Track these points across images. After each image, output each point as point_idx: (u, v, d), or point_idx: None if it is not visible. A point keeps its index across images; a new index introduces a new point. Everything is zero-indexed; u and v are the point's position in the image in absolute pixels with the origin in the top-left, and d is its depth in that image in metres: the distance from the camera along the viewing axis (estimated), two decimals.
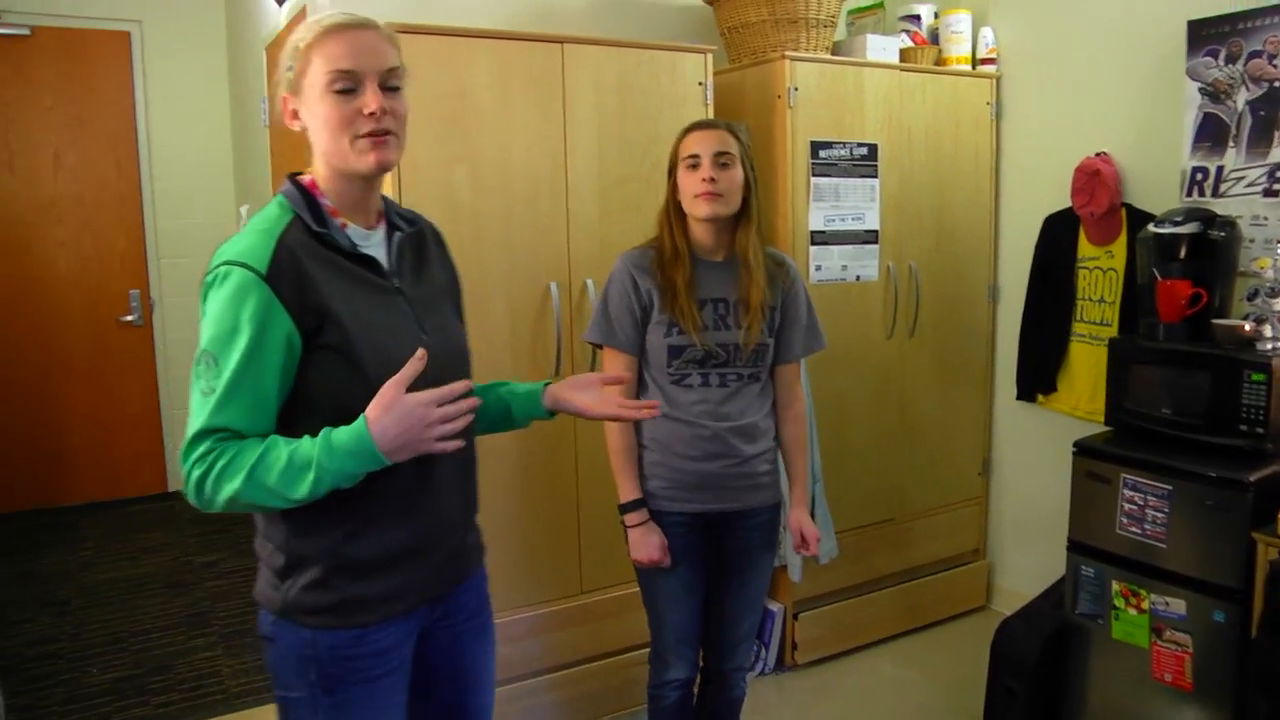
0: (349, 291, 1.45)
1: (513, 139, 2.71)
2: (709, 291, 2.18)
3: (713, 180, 2.12)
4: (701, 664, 2.41)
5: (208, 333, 1.38)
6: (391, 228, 1.59)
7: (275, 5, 3.79)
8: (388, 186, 2.39)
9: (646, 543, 2.20)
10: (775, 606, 3.34)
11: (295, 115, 1.50)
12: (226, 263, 1.39)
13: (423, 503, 1.54)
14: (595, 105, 2.83)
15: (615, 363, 2.23)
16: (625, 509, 2.23)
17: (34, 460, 5.18)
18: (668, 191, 2.23)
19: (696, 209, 2.15)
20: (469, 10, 3.02)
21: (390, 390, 1.35)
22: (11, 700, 3.23)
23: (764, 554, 2.33)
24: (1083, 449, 2.77)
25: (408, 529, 1.53)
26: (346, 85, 1.42)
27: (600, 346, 2.26)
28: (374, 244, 1.54)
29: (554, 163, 2.78)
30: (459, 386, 1.39)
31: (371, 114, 1.42)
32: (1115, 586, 2.63)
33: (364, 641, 1.50)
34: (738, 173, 2.16)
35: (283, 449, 1.35)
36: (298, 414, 1.43)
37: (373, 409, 1.35)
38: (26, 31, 4.91)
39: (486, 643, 1.78)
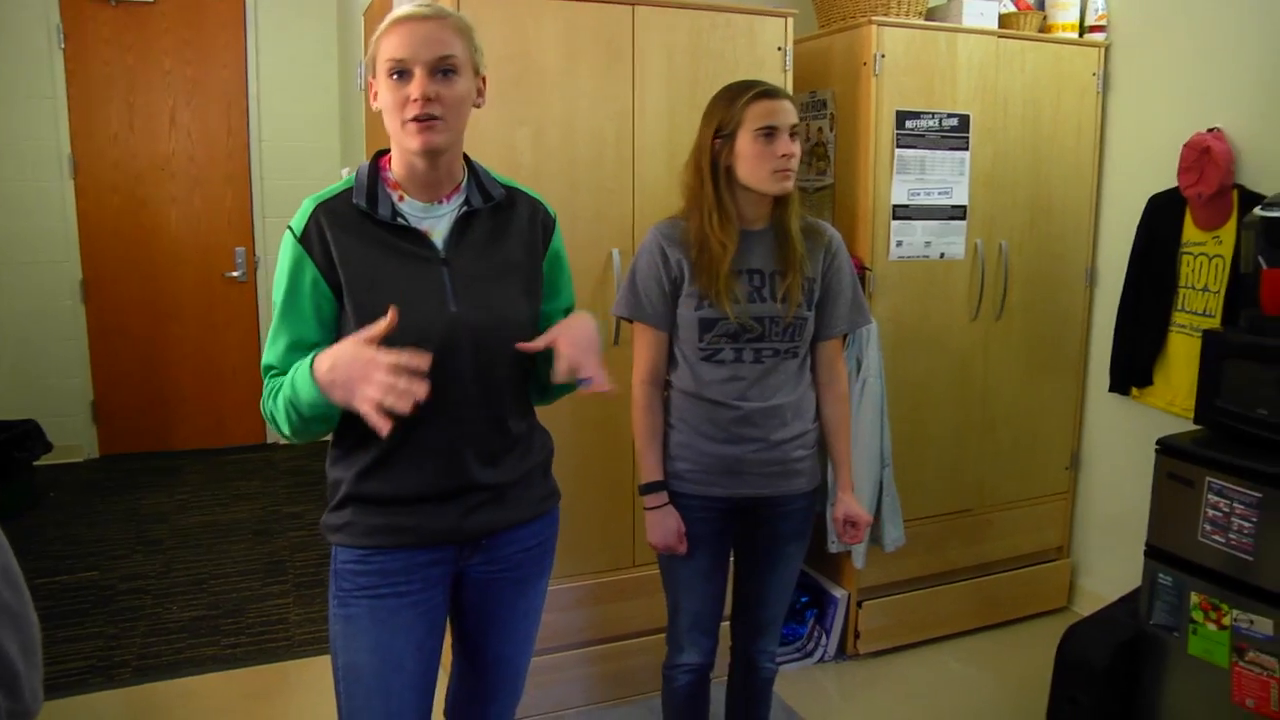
0: (376, 259, 1.60)
1: (578, 102, 2.67)
2: (745, 262, 2.08)
3: (792, 156, 2.01)
4: (732, 643, 2.36)
5: (273, 282, 1.65)
6: (467, 201, 1.69)
7: None
8: None
9: (663, 527, 2.13)
10: (839, 593, 3.24)
11: (375, 98, 1.64)
12: (288, 225, 1.62)
13: (437, 456, 1.65)
14: (666, 69, 2.75)
15: (644, 338, 2.16)
16: (645, 490, 2.16)
17: (145, 406, 5.45)
18: (709, 154, 2.07)
19: (770, 185, 2.02)
20: None
21: (355, 336, 1.48)
22: (100, 628, 3.43)
23: (795, 543, 2.23)
24: (1166, 448, 2.57)
25: (421, 477, 1.65)
26: (399, 71, 1.56)
27: (629, 320, 2.19)
28: (435, 216, 1.66)
29: (620, 127, 2.72)
30: (420, 362, 1.44)
31: (415, 100, 1.54)
32: (1194, 599, 2.45)
33: (369, 561, 1.66)
34: (800, 146, 2.06)
35: (287, 378, 1.56)
36: None
37: (330, 348, 1.52)
38: None
39: (522, 597, 1.83)
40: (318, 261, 1.58)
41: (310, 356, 1.52)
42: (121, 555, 4.09)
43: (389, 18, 1.59)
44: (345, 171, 4.85)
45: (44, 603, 3.57)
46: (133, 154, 5.24)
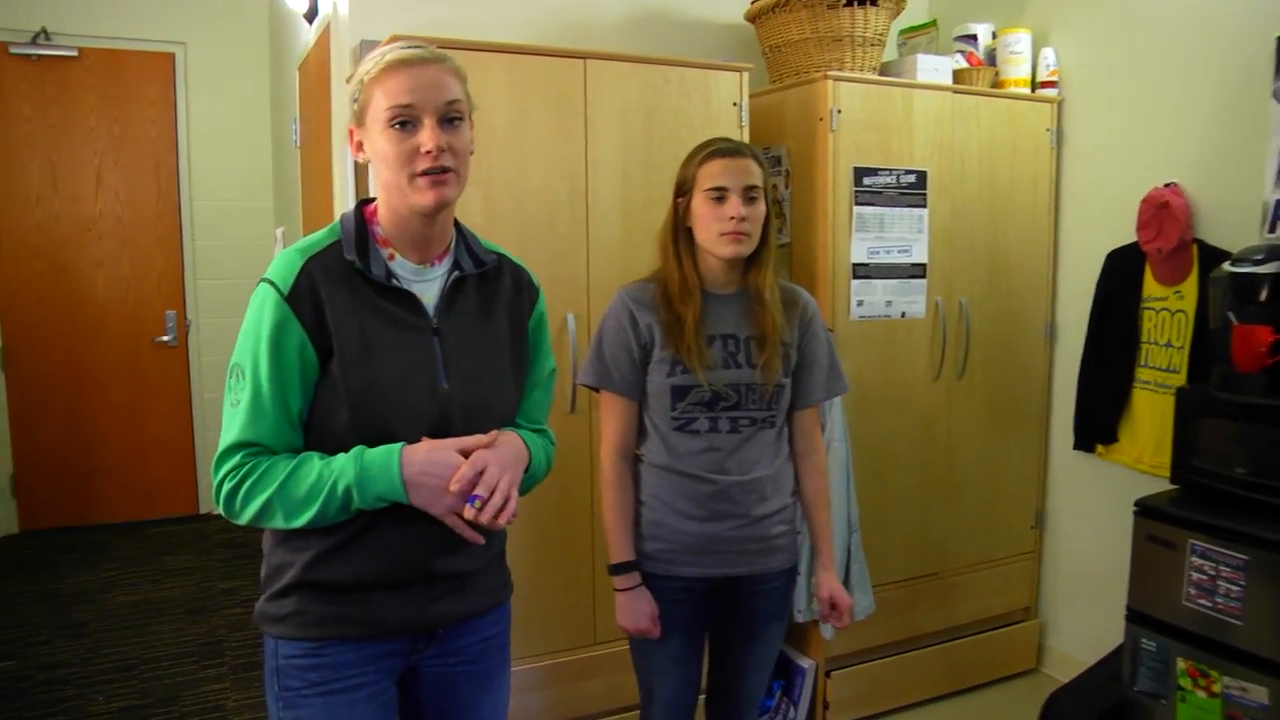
0: (368, 324, 1.45)
1: (530, 160, 2.57)
2: (717, 327, 1.98)
3: (743, 219, 1.92)
4: None
5: (238, 346, 1.45)
6: (457, 265, 1.56)
7: (306, 24, 3.71)
8: None
9: (635, 611, 2.00)
10: (806, 663, 3.11)
11: (360, 147, 1.50)
12: (263, 279, 1.44)
13: (403, 541, 1.50)
14: (620, 125, 2.67)
15: (612, 408, 2.04)
16: (615, 570, 2.02)
17: (67, 478, 5.17)
18: (673, 214, 2.02)
19: (720, 248, 1.94)
20: (487, 23, 2.88)
21: (449, 443, 1.44)
22: None
23: (775, 623, 2.11)
24: (1145, 509, 2.51)
25: (381, 562, 1.50)
26: (405, 120, 1.42)
27: (596, 390, 2.07)
28: (426, 280, 1.53)
29: (574, 186, 2.63)
30: (510, 508, 1.44)
31: (428, 152, 1.42)
32: (1181, 665, 2.37)
33: (319, 654, 1.50)
34: (762, 207, 1.96)
35: (315, 463, 1.41)
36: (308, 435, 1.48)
37: (420, 443, 1.43)
38: (74, 53, 4.93)
39: (486, 692, 1.68)
40: (306, 323, 1.41)
41: (397, 448, 1.41)
42: (40, 641, 3.81)
43: (382, 59, 1.45)
44: (280, 231, 4.71)
45: None
46: (56, 216, 5.02)
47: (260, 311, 1.42)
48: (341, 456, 1.41)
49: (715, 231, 1.93)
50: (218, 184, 5.29)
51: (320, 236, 1.50)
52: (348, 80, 2.91)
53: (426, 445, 1.42)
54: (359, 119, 1.48)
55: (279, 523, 1.43)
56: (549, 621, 2.71)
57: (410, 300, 1.50)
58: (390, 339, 1.46)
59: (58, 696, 3.36)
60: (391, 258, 1.51)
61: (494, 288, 1.61)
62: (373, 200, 1.55)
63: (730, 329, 1.99)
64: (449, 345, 1.52)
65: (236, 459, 1.42)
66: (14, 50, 4.81)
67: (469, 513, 1.42)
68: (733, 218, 1.91)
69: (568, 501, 2.68)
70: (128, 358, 5.21)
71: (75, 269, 5.08)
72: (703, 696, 2.22)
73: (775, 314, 1.97)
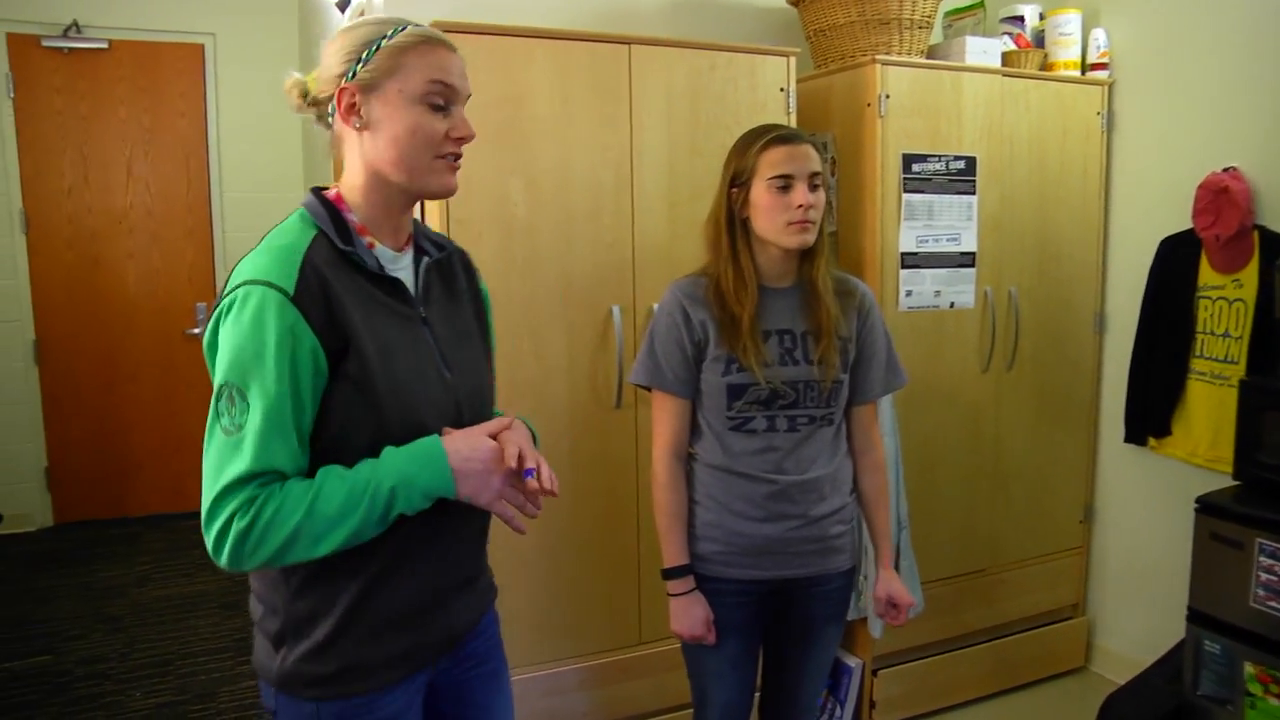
0: (373, 318, 1.33)
1: (573, 149, 2.50)
2: (773, 322, 1.92)
3: (809, 208, 1.85)
4: None
5: (228, 363, 1.24)
6: (419, 252, 1.48)
7: (338, 13, 3.67)
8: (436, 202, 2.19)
9: (690, 616, 1.94)
10: (853, 662, 3.05)
11: (353, 110, 1.35)
12: (246, 283, 1.24)
13: (440, 549, 1.43)
14: (665, 112, 2.60)
15: (665, 407, 1.97)
16: (668, 575, 1.96)
17: (100, 471, 5.17)
18: (725, 205, 1.94)
19: (786, 239, 1.87)
20: (528, 9, 2.81)
21: (482, 428, 1.37)
22: None
23: (832, 625, 2.05)
24: (1207, 506, 2.43)
25: (427, 580, 1.41)
26: (443, 101, 1.36)
27: (648, 389, 2.01)
28: (401, 267, 1.44)
29: (618, 175, 2.56)
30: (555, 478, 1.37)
31: (462, 138, 1.38)
32: (1249, 669, 2.29)
33: (374, 708, 1.38)
34: (823, 195, 1.90)
35: (342, 474, 1.26)
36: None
37: (450, 432, 1.35)
38: (105, 45, 4.92)
39: (498, 690, 1.63)
40: (315, 325, 1.24)
41: (435, 439, 1.31)
42: (77, 635, 3.81)
43: (418, 33, 1.35)
44: None
45: None
46: (88, 208, 5.00)
47: (258, 318, 1.22)
48: (371, 460, 1.28)
49: (781, 222, 1.86)
50: (248, 175, 5.26)
51: (296, 228, 1.34)
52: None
53: (460, 433, 1.34)
54: (369, 83, 1.33)
55: (300, 554, 1.24)
56: (594, 621, 2.67)
57: (401, 290, 1.40)
58: (397, 333, 1.36)
59: (96, 692, 3.35)
60: (371, 245, 1.39)
61: (450, 273, 1.54)
62: (323, 187, 1.42)
63: (786, 324, 1.93)
64: (437, 334, 1.44)
65: (247, 492, 1.21)
66: (45, 43, 4.79)
67: (532, 483, 1.33)
68: (800, 206, 1.85)
69: (612, 498, 2.63)
70: (159, 350, 5.20)
71: (106, 261, 5.07)
72: (756, 694, 2.16)
73: (830, 305, 1.91)
